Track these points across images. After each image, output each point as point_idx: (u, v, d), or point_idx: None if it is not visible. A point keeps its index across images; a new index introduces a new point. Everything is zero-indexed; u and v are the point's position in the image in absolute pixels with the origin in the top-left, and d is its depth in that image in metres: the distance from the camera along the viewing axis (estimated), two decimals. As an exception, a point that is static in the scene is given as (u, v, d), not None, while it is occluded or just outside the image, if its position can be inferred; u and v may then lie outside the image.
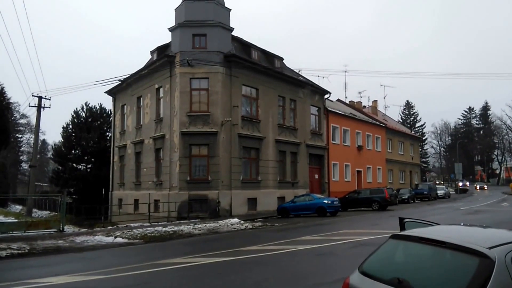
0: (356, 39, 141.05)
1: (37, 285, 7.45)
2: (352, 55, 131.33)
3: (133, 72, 28.40)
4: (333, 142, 35.18)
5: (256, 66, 26.65)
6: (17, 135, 59.82)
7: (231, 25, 25.82)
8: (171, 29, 25.31)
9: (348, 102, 48.73)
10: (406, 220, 4.47)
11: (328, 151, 34.08)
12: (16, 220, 21.26)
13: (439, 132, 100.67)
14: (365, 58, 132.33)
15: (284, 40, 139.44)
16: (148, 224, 19.90)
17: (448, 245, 3.17)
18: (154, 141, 25.79)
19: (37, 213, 35.78)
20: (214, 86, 23.96)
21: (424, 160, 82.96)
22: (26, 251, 12.43)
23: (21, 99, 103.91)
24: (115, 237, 15.35)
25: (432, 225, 4.23)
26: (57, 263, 10.67)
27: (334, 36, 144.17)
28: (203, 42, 24.44)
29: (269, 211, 25.15)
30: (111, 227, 19.48)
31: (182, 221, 20.32)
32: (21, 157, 59.20)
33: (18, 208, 38.68)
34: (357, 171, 38.77)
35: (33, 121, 36.57)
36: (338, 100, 47.77)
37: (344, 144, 37.06)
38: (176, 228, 17.26)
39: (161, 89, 25.78)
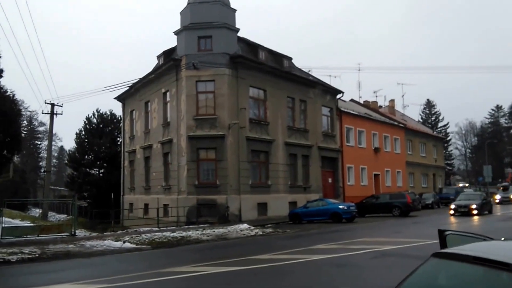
0: (376, 40, 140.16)
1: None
2: (368, 54, 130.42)
3: (140, 77, 28.90)
4: (348, 144, 34.84)
5: (263, 66, 26.80)
6: (36, 141, 62.38)
7: (237, 26, 26.09)
8: (176, 32, 25.71)
9: (362, 102, 47.89)
10: (447, 232, 3.70)
11: (342, 154, 33.75)
12: (30, 224, 22.01)
13: (463, 132, 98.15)
14: (382, 56, 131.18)
15: (295, 35, 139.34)
16: (157, 229, 20.30)
17: None
18: (162, 146, 26.21)
19: (55, 217, 36.75)
20: (220, 88, 24.23)
21: (448, 162, 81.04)
22: (37, 255, 12.90)
23: (39, 108, 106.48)
24: (124, 242, 15.74)
25: (483, 239, 3.49)
26: (64, 268, 11.09)
27: (349, 38, 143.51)
28: (208, 44, 24.76)
29: (280, 217, 25.16)
30: (121, 231, 19.91)
31: (190, 226, 20.65)
32: (40, 163, 61.44)
33: (37, 211, 39.81)
34: (375, 174, 38.11)
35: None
36: (352, 100, 47.21)
37: (360, 146, 36.59)
38: (184, 234, 17.57)
39: (168, 93, 26.19)
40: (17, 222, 24.24)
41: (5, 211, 18.55)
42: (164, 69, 26.15)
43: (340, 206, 23.24)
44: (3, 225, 16.85)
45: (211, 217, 22.82)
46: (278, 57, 30.03)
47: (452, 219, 22.19)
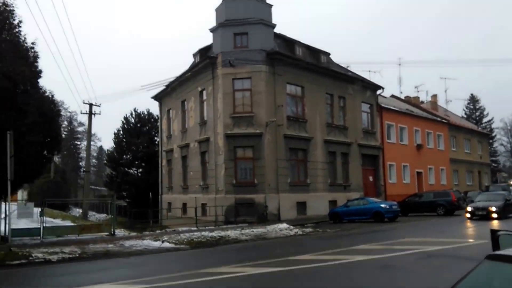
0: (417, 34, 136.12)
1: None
2: (408, 48, 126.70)
3: (177, 76, 29.05)
4: (388, 141, 34.03)
5: (300, 62, 26.39)
6: (76, 142, 64.73)
7: (273, 21, 25.68)
8: (212, 30, 25.63)
9: (403, 98, 46.76)
10: (500, 233, 3.48)
11: (383, 151, 33.01)
12: (71, 224, 22.56)
13: (509, 127, 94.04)
14: (423, 50, 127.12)
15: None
16: (195, 228, 20.25)
17: None
18: (199, 144, 26.22)
19: (95, 216, 37.69)
20: (257, 85, 23.96)
21: (493, 159, 77.71)
22: (77, 255, 13.00)
23: (78, 108, 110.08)
24: (163, 241, 15.71)
25: None
26: (104, 268, 11.08)
27: (389, 31, 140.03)
28: (244, 41, 24.53)
29: (320, 216, 24.69)
30: (159, 231, 20.00)
31: (229, 226, 20.49)
32: (80, 163, 63.52)
33: (78, 211, 40.99)
34: (417, 172, 37.14)
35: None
36: (392, 96, 46.14)
37: (401, 143, 35.73)
38: (223, 233, 17.40)
39: (204, 92, 26.18)
40: (58, 221, 24.91)
41: (46, 211, 19.04)
42: (200, 67, 26.16)
43: (382, 205, 22.56)
44: (44, 225, 17.21)
45: (250, 216, 22.59)
46: (315, 53, 29.51)
47: (468, 224, 19.59)
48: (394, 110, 35.68)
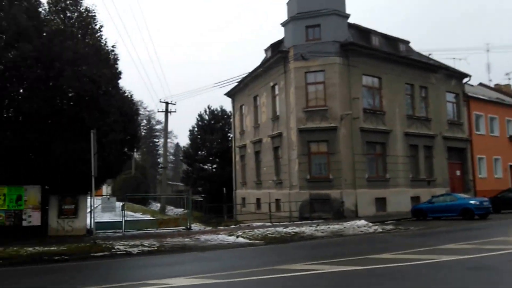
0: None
1: (156, 286, 7.86)
2: (497, 32, 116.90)
3: (249, 72, 29.24)
4: (477, 132, 31.71)
5: (377, 52, 25.39)
6: (154, 139, 68.65)
7: (347, 11, 24.89)
8: (283, 24, 25.44)
9: (493, 86, 43.27)
10: None
11: (472, 144, 30.84)
12: (150, 218, 23.77)
13: None
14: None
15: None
16: (269, 224, 20.26)
17: None
18: (272, 140, 26.18)
19: (173, 211, 39.31)
20: (331, 78, 23.37)
21: None
22: (155, 248, 13.51)
23: (155, 107, 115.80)
24: (237, 236, 15.83)
25: None
26: (180, 262, 11.33)
27: (475, 14, 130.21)
28: (317, 33, 24.04)
29: (401, 213, 23.59)
30: (234, 226, 20.28)
31: (304, 222, 20.23)
32: (158, 159, 66.94)
33: (157, 205, 43.10)
34: (510, 166, 34.29)
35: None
36: (480, 84, 42.75)
37: (492, 134, 33.20)
38: (297, 229, 17.15)
39: (276, 86, 26.09)
40: (138, 216, 26.40)
41: (127, 205, 20.23)
42: (271, 62, 26.12)
43: (472, 201, 20.95)
44: (126, 219, 18.19)
45: (325, 212, 22.13)
46: (393, 42, 28.22)
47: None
48: (482, 100, 33.14)
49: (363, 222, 18.64)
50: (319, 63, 23.55)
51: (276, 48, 27.32)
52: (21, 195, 16.35)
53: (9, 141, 14.93)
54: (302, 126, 23.32)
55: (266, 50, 29.67)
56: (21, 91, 16.13)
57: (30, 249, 12.84)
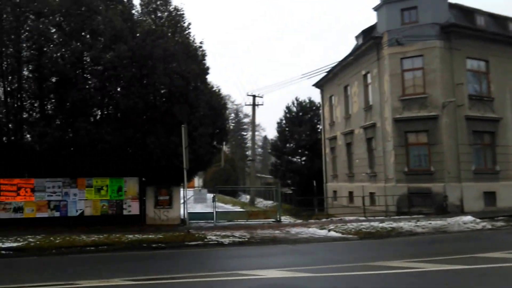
0: None
1: (248, 277, 7.98)
2: None
3: (338, 61, 28.55)
4: None
5: (483, 33, 23.28)
6: (242, 133, 70.87)
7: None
8: (375, 8, 24.38)
9: None
10: None
11: None
12: (240, 210, 24.50)
13: None
14: None
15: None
16: (363, 218, 19.73)
17: None
18: (365, 131, 25.36)
19: (262, 203, 40.12)
20: (430, 63, 21.95)
21: None
22: (246, 239, 13.84)
23: (243, 101, 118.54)
24: (329, 230, 15.61)
25: None
26: (270, 254, 11.44)
27: None
28: (413, 16, 22.66)
29: (514, 208, 21.45)
30: (325, 219, 20.06)
31: (401, 217, 19.37)
32: (246, 152, 68.81)
33: (246, 197, 44.28)
34: None
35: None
36: None
37: None
38: (394, 225, 16.42)
39: (369, 75, 25.19)
40: (228, 207, 27.44)
41: (218, 197, 21.11)
42: (363, 49, 25.25)
43: None
44: (217, 210, 18.89)
45: (426, 207, 20.91)
46: (501, 21, 25.77)
47: None
48: None
49: (469, 218, 17.26)
50: (416, 47, 22.23)
51: (367, 35, 26.30)
52: (121, 186, 17.74)
53: (110, 136, 16.20)
54: (398, 115, 22.23)
55: (357, 37, 28.71)
56: (119, 89, 17.44)
57: (130, 236, 13.86)
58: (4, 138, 17.87)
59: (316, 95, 57.41)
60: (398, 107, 22.35)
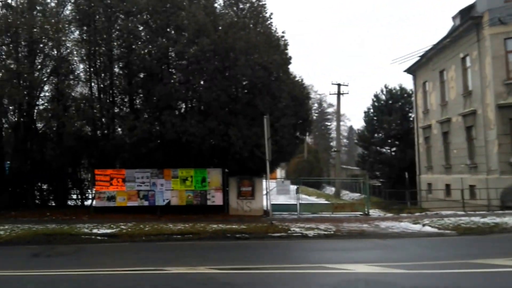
0: None
1: (335, 271, 7.80)
2: None
3: (433, 44, 26.95)
4: None
5: None
6: (326, 123, 70.14)
7: None
8: (475, -15, 22.54)
9: None
10: None
11: None
12: (325, 202, 24.25)
13: None
14: None
15: None
16: (462, 212, 18.49)
17: None
18: (464, 119, 23.69)
19: (348, 195, 39.43)
20: (539, 42, 19.90)
21: None
22: (332, 232, 13.58)
23: (327, 91, 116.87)
24: (423, 225, 14.87)
25: None
26: (358, 248, 11.10)
27: None
28: (519, -9, 20.64)
29: None
30: (419, 213, 19.29)
31: (506, 212, 17.81)
32: (330, 143, 68.07)
33: (331, 190, 43.76)
34: None
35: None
36: None
37: None
38: (498, 220, 15.11)
39: (468, 58, 23.48)
40: (312, 199, 27.35)
41: (301, 189, 21.05)
42: (461, 30, 23.62)
43: None
44: (300, 202, 18.84)
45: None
46: None
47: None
48: None
49: None
50: (522, 26, 20.35)
51: (466, 15, 24.48)
52: (205, 177, 18.38)
53: (194, 129, 16.79)
54: (502, 101, 20.50)
55: (454, 18, 26.93)
56: (202, 82, 18.02)
57: (214, 226, 14.29)
58: (98, 132, 19.45)
59: (407, 82, 54.77)
60: (502, 92, 20.63)
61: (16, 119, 20.10)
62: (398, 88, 40.69)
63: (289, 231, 13.47)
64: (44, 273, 8.06)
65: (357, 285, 6.87)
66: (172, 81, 18.00)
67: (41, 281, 7.44)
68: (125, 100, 19.91)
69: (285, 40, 19.70)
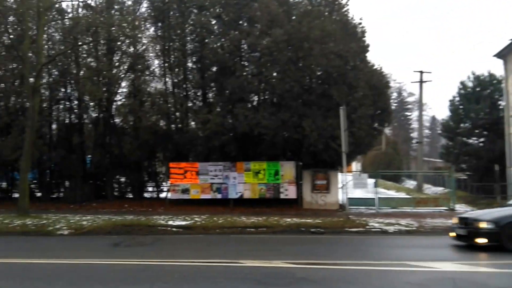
0: None
1: (419, 268, 7.51)
2: None
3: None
4: None
5: None
6: (406, 113, 67.48)
7: None
8: None
9: None
10: None
11: None
12: (405, 196, 23.43)
13: None
14: None
15: None
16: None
17: None
18: None
19: (431, 189, 37.61)
20: None
21: None
22: (414, 228, 13.10)
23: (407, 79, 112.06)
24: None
25: None
26: (443, 245, 10.58)
27: None
28: None
29: None
30: (509, 208, 17.84)
31: None
32: (411, 134, 65.42)
33: (412, 183, 42.08)
34: None
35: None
36: None
37: None
38: None
39: None
40: (391, 193, 26.42)
41: (379, 182, 20.51)
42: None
43: None
44: (379, 196, 18.33)
45: None
46: None
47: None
48: None
49: None
50: None
51: None
52: (278, 170, 18.42)
53: (266, 121, 16.87)
54: None
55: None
56: (274, 74, 18.01)
57: (288, 219, 14.30)
58: (172, 126, 20.22)
59: (498, 67, 51.16)
60: None
61: (96, 114, 21.49)
62: (487, 74, 38.20)
63: (367, 226, 13.17)
64: (126, 262, 8.50)
65: (444, 284, 6.55)
66: (244, 73, 18.20)
67: (124, 269, 7.90)
68: (198, 94, 20.50)
69: (362, 27, 19.14)
